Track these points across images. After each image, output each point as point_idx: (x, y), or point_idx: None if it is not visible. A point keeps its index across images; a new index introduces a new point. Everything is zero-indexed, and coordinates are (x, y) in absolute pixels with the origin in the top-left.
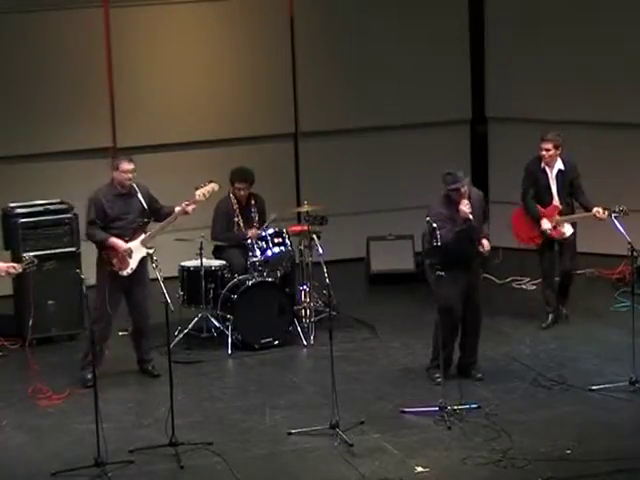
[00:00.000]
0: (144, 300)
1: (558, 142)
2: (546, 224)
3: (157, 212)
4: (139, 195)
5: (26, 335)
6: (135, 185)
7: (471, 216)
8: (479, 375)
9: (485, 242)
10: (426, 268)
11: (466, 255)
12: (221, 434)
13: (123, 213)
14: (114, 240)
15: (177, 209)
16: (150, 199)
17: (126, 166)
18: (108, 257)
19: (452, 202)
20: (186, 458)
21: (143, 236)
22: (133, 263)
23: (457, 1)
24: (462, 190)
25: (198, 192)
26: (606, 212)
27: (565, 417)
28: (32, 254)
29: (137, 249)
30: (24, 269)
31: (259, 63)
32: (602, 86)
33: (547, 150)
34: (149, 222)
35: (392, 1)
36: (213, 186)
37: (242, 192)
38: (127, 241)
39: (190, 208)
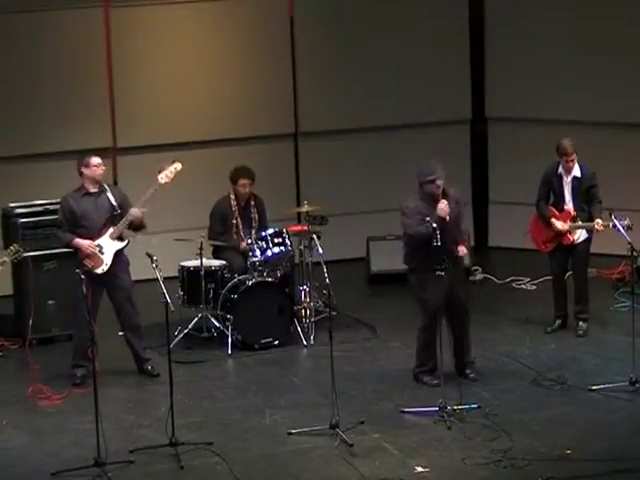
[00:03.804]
0: (125, 299)
1: (575, 149)
2: (559, 224)
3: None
4: (108, 194)
5: (26, 335)
6: (105, 185)
7: (448, 217)
8: (472, 375)
9: (462, 248)
10: (408, 273)
11: (448, 254)
12: (221, 434)
13: (89, 211)
14: (78, 241)
15: (126, 217)
16: (122, 199)
17: (96, 159)
18: (79, 258)
19: (428, 197)
20: (186, 458)
21: (111, 229)
22: (107, 258)
23: (457, 1)
24: (438, 182)
25: (160, 175)
26: (606, 225)
27: (565, 417)
28: (32, 254)
29: (108, 244)
30: (12, 260)
31: (259, 63)
32: (602, 86)
33: (572, 161)
34: (118, 217)
35: (392, 1)
36: (175, 166)
37: (247, 189)
38: (95, 238)
39: (138, 210)
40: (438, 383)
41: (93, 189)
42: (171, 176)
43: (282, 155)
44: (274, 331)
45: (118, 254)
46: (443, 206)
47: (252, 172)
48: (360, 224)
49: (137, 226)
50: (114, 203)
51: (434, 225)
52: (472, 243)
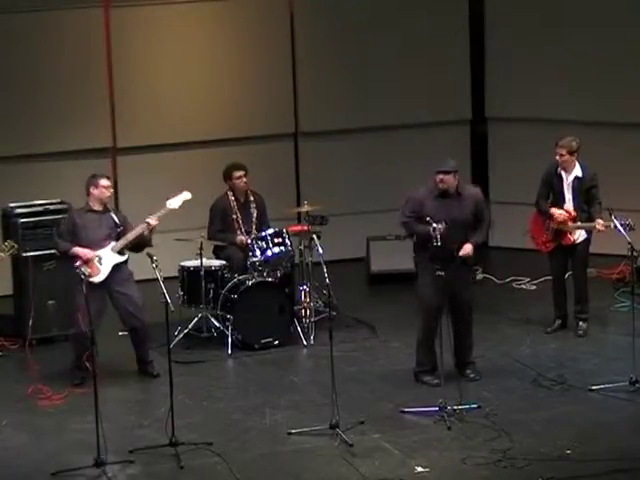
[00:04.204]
0: (129, 307)
1: (572, 148)
2: (559, 211)
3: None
4: (112, 214)
5: (26, 335)
6: (111, 208)
7: (437, 236)
8: (472, 375)
9: (466, 246)
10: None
11: (446, 252)
12: (221, 434)
13: (91, 227)
14: (77, 248)
15: (141, 225)
16: (125, 221)
17: (105, 181)
18: (78, 267)
19: (436, 190)
20: (186, 458)
21: (113, 243)
22: (104, 269)
23: (457, 1)
24: (440, 176)
25: (168, 202)
26: (607, 225)
27: (565, 417)
28: (32, 254)
29: (108, 256)
30: (8, 255)
31: (259, 63)
32: (602, 86)
33: (561, 155)
34: (119, 234)
35: (392, 1)
36: (185, 194)
37: (243, 181)
38: (95, 250)
39: (152, 221)
40: (438, 383)
41: (98, 207)
42: (179, 203)
43: (282, 155)
44: (274, 331)
45: (119, 266)
46: (439, 226)
47: (243, 164)
48: (360, 224)
49: (143, 241)
50: (117, 222)
51: (434, 225)
52: None
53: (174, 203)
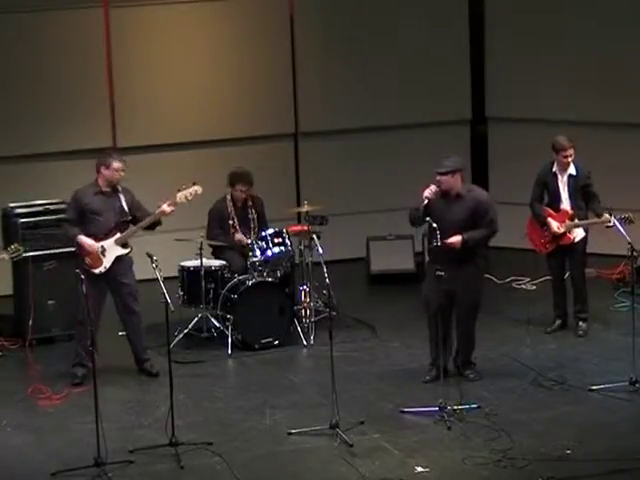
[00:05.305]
0: (127, 297)
1: (573, 144)
2: (554, 224)
3: (138, 218)
4: (121, 196)
5: (26, 335)
6: (119, 187)
7: (426, 200)
8: (472, 376)
9: (455, 237)
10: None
11: (449, 255)
12: (221, 434)
13: (100, 209)
14: (83, 239)
15: (157, 211)
16: (133, 203)
17: (118, 164)
18: (80, 255)
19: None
20: (186, 458)
21: (118, 235)
22: (107, 261)
23: (457, 1)
24: (439, 178)
25: (179, 194)
26: (610, 219)
27: (565, 417)
28: (32, 254)
29: (111, 248)
30: (11, 258)
31: (259, 63)
32: (602, 86)
33: (571, 155)
34: (127, 223)
35: (392, 1)
36: (196, 189)
37: (243, 194)
38: (100, 239)
39: (169, 209)
40: (428, 380)
41: (106, 189)
42: (190, 198)
43: (282, 155)
44: (274, 331)
45: (120, 258)
46: (427, 188)
47: (250, 177)
48: (360, 224)
49: (154, 225)
50: (125, 208)
51: (434, 225)
52: None
53: (184, 198)
